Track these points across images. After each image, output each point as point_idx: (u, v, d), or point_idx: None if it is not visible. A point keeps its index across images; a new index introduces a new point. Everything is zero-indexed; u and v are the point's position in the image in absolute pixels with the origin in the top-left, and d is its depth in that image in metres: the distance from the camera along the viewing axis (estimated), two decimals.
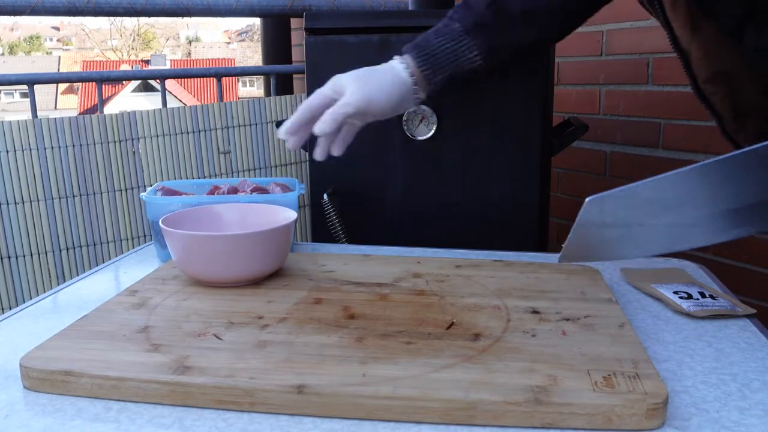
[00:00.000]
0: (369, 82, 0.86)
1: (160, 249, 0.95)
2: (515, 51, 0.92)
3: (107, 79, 1.75)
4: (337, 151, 0.89)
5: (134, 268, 0.92)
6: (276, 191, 1.02)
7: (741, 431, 0.49)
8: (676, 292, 0.76)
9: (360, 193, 1.24)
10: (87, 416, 0.52)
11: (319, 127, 0.83)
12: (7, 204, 1.41)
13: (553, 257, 0.93)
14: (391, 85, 0.87)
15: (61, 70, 20.44)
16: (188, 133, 1.61)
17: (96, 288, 0.84)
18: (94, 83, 1.70)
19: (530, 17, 0.89)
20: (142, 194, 0.96)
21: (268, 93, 2.00)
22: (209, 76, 1.86)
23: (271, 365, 0.56)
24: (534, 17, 0.90)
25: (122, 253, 1.31)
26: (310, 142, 1.26)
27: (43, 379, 0.56)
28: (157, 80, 1.82)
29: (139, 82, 20.99)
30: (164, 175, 1.58)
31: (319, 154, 0.89)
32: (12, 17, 1.56)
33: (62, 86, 24.21)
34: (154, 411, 0.53)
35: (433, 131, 1.19)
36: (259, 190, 1.01)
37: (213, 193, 1.02)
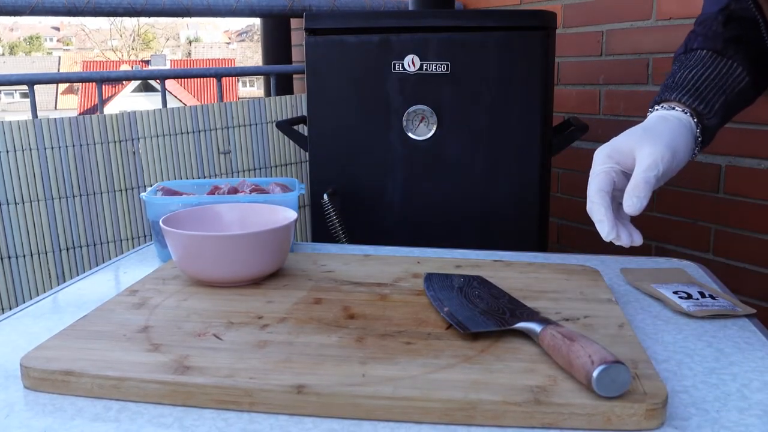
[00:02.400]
0: (657, 135, 0.69)
1: (161, 249, 0.95)
2: None
3: (107, 80, 1.75)
4: (638, 239, 0.68)
5: (134, 268, 0.92)
6: (276, 191, 1.02)
7: (740, 431, 0.49)
8: (675, 292, 0.76)
9: (360, 194, 1.24)
10: (87, 416, 0.52)
11: (637, 205, 0.65)
12: (7, 204, 1.41)
13: (553, 257, 0.93)
14: (678, 131, 0.70)
15: (61, 71, 20.44)
16: (188, 133, 1.61)
17: (96, 288, 0.85)
18: (94, 83, 1.70)
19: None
20: (143, 194, 0.96)
21: (268, 93, 2.00)
22: (209, 77, 1.86)
23: (271, 365, 0.56)
24: None
25: (122, 253, 1.31)
26: (310, 142, 1.26)
27: (43, 378, 0.56)
28: (157, 80, 1.82)
29: (139, 82, 20.99)
30: (164, 175, 1.58)
31: (626, 239, 0.68)
32: (12, 17, 1.56)
33: (62, 86, 24.20)
34: (154, 411, 0.53)
35: (433, 131, 1.19)
36: (258, 190, 1.01)
37: (213, 194, 1.02)
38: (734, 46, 0.76)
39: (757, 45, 0.77)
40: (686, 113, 0.72)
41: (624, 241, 0.67)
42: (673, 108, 0.73)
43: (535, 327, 0.61)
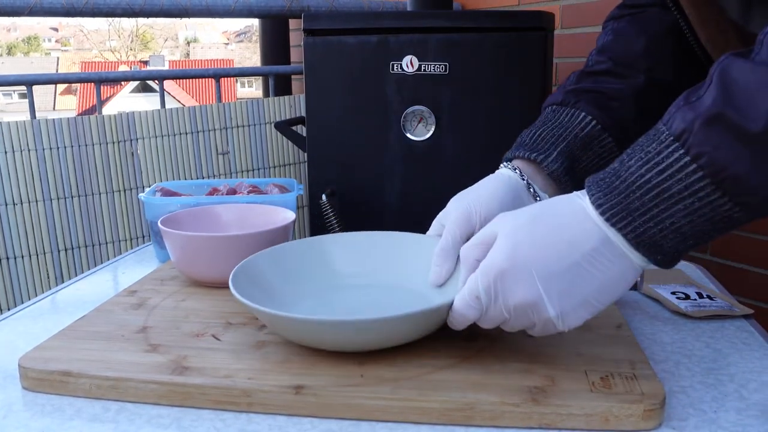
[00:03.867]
0: (466, 198, 0.68)
1: (159, 249, 0.95)
2: (632, 103, 0.74)
3: (106, 80, 1.75)
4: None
5: (133, 269, 0.92)
6: (274, 192, 1.02)
7: (738, 431, 0.49)
8: (673, 293, 0.76)
9: (358, 194, 1.24)
10: (85, 416, 0.52)
11: (436, 279, 0.65)
12: (6, 205, 1.41)
13: None
14: (489, 190, 0.68)
15: (59, 71, 20.41)
16: (187, 133, 1.61)
17: (95, 288, 0.85)
18: (92, 84, 1.70)
19: (622, 68, 0.75)
20: (141, 195, 0.96)
21: (266, 94, 2.00)
22: (208, 77, 1.86)
23: (269, 366, 0.56)
24: (626, 66, 0.75)
25: (121, 253, 1.31)
26: (309, 143, 1.26)
27: (41, 379, 0.56)
28: (156, 81, 1.82)
29: (137, 82, 20.99)
30: (163, 176, 1.58)
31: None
32: (10, 18, 1.56)
33: (61, 87, 24.17)
34: (152, 411, 0.53)
35: (431, 132, 1.19)
36: (257, 191, 1.01)
37: (212, 195, 1.02)
38: (575, 96, 0.73)
39: (610, 95, 0.74)
40: (511, 169, 0.70)
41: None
42: (508, 166, 0.71)
43: None
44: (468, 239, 0.61)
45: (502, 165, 0.73)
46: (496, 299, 0.52)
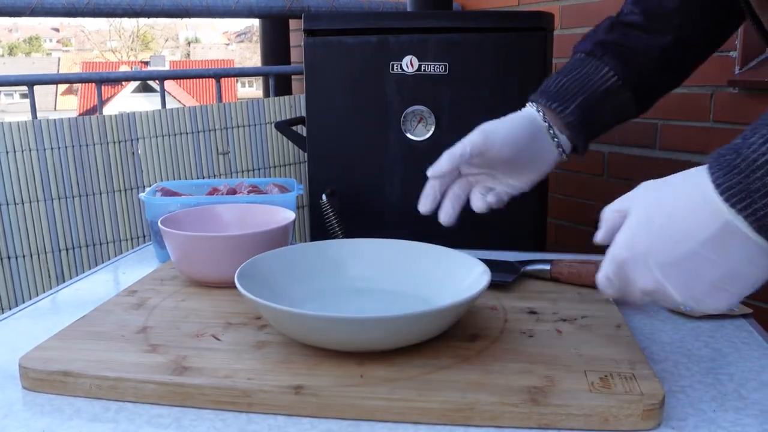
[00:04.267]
0: (490, 123, 0.73)
1: (159, 249, 0.95)
2: (656, 60, 0.76)
3: (106, 80, 1.75)
4: (444, 218, 0.74)
5: (133, 269, 0.92)
6: (274, 192, 1.02)
7: (737, 431, 0.49)
8: None
9: (358, 194, 1.24)
10: (85, 416, 0.52)
11: (431, 170, 0.72)
12: (7, 204, 1.41)
13: (551, 257, 0.93)
14: (517, 123, 0.74)
15: (60, 71, 20.41)
16: (187, 133, 1.61)
17: (95, 288, 0.85)
18: (93, 84, 1.70)
19: (653, 22, 0.76)
20: (141, 195, 0.96)
21: (266, 94, 2.01)
22: (208, 77, 1.86)
23: (269, 366, 0.56)
24: (658, 21, 0.76)
25: (121, 253, 1.31)
26: (309, 143, 1.26)
27: (41, 379, 0.56)
28: (157, 81, 1.83)
29: (138, 83, 20.98)
30: (163, 176, 1.58)
31: (443, 217, 0.74)
32: (11, 18, 1.57)
33: (62, 87, 24.17)
34: (152, 411, 0.53)
35: (431, 132, 1.19)
36: (257, 191, 1.01)
37: (212, 195, 1.02)
38: (603, 48, 0.76)
39: (636, 50, 0.76)
40: (536, 109, 0.75)
41: (440, 217, 0.73)
42: (532, 105, 0.76)
43: (544, 266, 0.77)
44: (478, 155, 0.71)
45: (528, 104, 0.77)
46: (627, 284, 0.54)
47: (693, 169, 0.51)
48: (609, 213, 0.56)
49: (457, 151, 0.70)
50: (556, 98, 0.74)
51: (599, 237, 0.57)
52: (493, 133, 0.71)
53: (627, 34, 0.77)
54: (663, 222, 0.51)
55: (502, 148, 0.71)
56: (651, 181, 0.55)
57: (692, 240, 0.49)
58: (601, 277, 0.56)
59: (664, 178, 0.53)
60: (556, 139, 0.74)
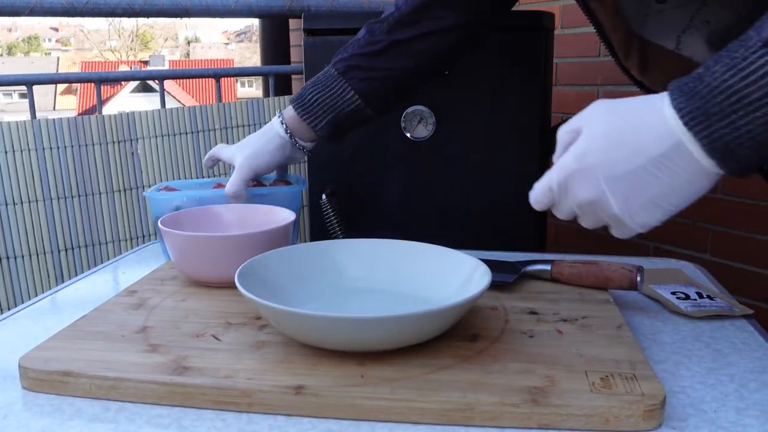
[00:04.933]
0: (250, 152, 0.93)
1: (165, 247, 0.94)
2: (396, 85, 0.93)
3: (106, 80, 1.75)
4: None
5: (133, 269, 0.92)
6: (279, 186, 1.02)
7: (738, 431, 0.49)
8: (673, 293, 0.76)
9: (358, 194, 1.24)
10: (85, 416, 0.52)
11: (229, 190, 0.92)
12: (6, 204, 1.41)
13: (551, 257, 0.93)
14: (266, 141, 0.94)
15: (59, 71, 20.41)
16: (187, 133, 1.61)
17: (95, 288, 0.85)
18: (92, 84, 1.70)
19: (396, 50, 0.90)
20: (146, 191, 0.96)
21: (266, 93, 2.00)
22: (208, 77, 1.86)
23: (269, 366, 0.56)
24: (400, 48, 0.90)
25: (121, 253, 1.31)
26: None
27: (41, 379, 0.56)
28: (156, 81, 1.82)
29: (137, 82, 20.98)
30: (163, 176, 1.58)
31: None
32: (10, 18, 1.56)
33: (61, 87, 24.17)
34: (152, 411, 0.53)
35: (431, 132, 1.19)
36: (260, 184, 1.00)
37: (218, 189, 1.00)
38: (352, 70, 0.91)
39: (378, 76, 0.91)
40: (280, 121, 0.94)
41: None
42: (281, 117, 0.94)
43: (545, 266, 0.78)
44: (253, 179, 0.96)
45: (276, 115, 0.95)
46: (566, 195, 0.57)
47: (654, 95, 0.53)
48: (563, 134, 0.59)
49: (236, 186, 0.92)
50: (309, 113, 0.92)
51: (556, 157, 0.59)
52: (256, 161, 0.93)
53: (373, 57, 0.91)
54: (618, 137, 0.53)
55: (269, 167, 0.95)
56: (607, 101, 0.56)
57: (644, 156, 0.52)
58: (543, 185, 0.58)
59: (621, 99, 0.56)
60: (298, 145, 0.95)
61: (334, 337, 0.57)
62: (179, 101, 19.34)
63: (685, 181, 0.51)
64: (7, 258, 1.43)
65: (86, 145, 1.48)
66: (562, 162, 0.56)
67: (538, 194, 0.59)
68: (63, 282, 1.03)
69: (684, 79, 0.52)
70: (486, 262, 0.67)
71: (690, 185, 0.52)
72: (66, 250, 1.49)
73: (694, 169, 0.51)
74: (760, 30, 0.48)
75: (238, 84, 25.66)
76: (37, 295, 0.94)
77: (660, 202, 0.53)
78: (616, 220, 0.55)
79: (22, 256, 1.44)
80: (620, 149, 0.53)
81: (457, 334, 0.62)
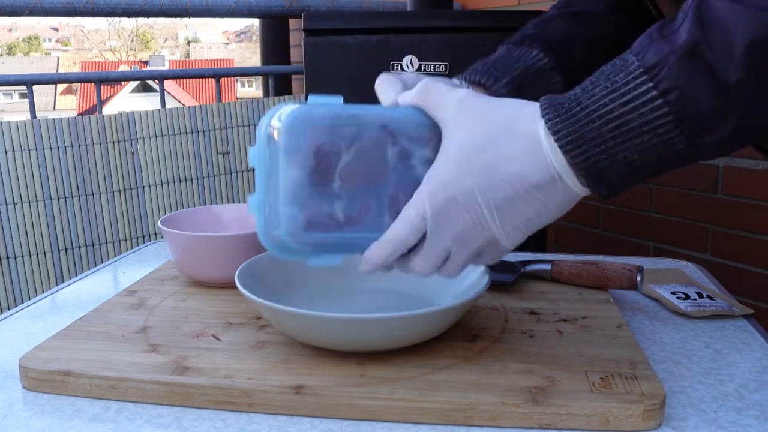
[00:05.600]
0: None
1: None
2: (583, 51, 0.77)
3: (106, 80, 1.75)
4: None
5: (133, 269, 0.92)
6: None
7: (738, 431, 0.49)
8: (673, 293, 0.76)
9: None
10: (86, 416, 0.52)
11: None
12: (6, 204, 1.41)
13: (551, 257, 0.93)
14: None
15: (59, 71, 20.42)
16: (187, 133, 1.61)
17: (95, 288, 0.85)
18: (92, 84, 1.70)
19: (581, 17, 0.79)
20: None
21: (266, 93, 2.01)
22: (208, 77, 1.86)
23: (269, 366, 0.56)
24: (585, 17, 0.79)
25: (121, 253, 1.31)
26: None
27: (41, 379, 0.56)
28: (156, 81, 1.83)
29: (137, 82, 20.99)
30: (163, 176, 1.58)
31: None
32: (11, 18, 1.56)
33: (61, 87, 24.18)
34: (152, 411, 0.53)
35: None
36: None
37: None
38: (530, 38, 0.76)
39: (563, 41, 0.76)
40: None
41: None
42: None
43: (545, 266, 0.78)
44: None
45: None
46: (442, 226, 0.51)
47: (523, 106, 0.52)
48: (416, 98, 0.55)
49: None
50: (485, 74, 0.71)
51: (405, 98, 0.55)
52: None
53: (552, 28, 0.78)
54: (493, 160, 0.50)
55: None
56: (472, 99, 0.53)
57: (522, 182, 0.50)
58: (409, 217, 0.51)
59: (487, 103, 0.53)
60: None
61: (334, 337, 0.57)
62: (179, 101, 19.35)
63: (558, 203, 0.51)
64: (7, 258, 1.43)
65: (86, 145, 1.48)
66: (439, 183, 0.51)
67: (400, 231, 0.52)
68: (63, 282, 1.03)
69: (558, 98, 0.50)
70: None
71: (562, 206, 0.51)
72: (66, 250, 1.49)
73: (568, 193, 0.50)
74: (641, 55, 0.47)
75: (238, 84, 25.67)
76: (37, 295, 0.94)
77: (535, 221, 0.51)
78: (493, 244, 0.52)
79: (22, 256, 1.44)
80: (497, 174, 0.50)
81: (457, 334, 0.62)
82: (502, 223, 0.51)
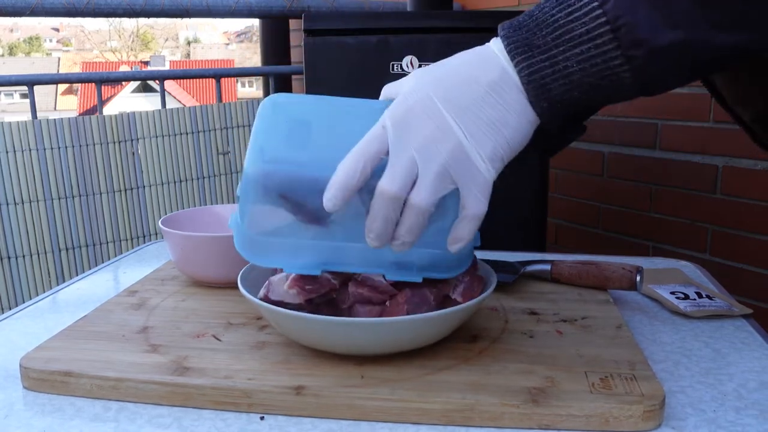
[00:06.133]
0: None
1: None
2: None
3: (106, 80, 1.75)
4: None
5: (133, 269, 0.93)
6: None
7: (737, 431, 0.50)
8: (673, 293, 0.76)
9: None
10: (86, 416, 0.52)
11: None
12: (7, 204, 1.41)
13: (551, 258, 0.93)
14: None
15: (60, 71, 20.42)
16: (187, 133, 1.61)
17: (95, 288, 0.85)
18: (93, 84, 1.70)
19: None
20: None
21: (267, 94, 2.01)
22: (208, 77, 1.86)
23: (270, 366, 0.56)
24: None
25: (121, 253, 1.31)
26: None
27: (42, 379, 0.56)
28: (157, 81, 1.83)
29: (138, 83, 21.00)
30: (163, 176, 1.58)
31: None
32: (12, 18, 1.57)
33: (62, 87, 24.19)
34: (153, 411, 0.53)
35: None
36: None
37: None
38: None
39: None
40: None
41: None
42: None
43: (544, 266, 0.78)
44: None
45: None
46: (405, 135, 0.51)
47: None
48: (388, 88, 0.56)
49: None
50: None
51: (384, 94, 0.56)
52: None
53: None
54: (450, 69, 0.53)
55: None
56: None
57: (478, 83, 0.51)
58: (372, 131, 0.52)
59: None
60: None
61: (333, 340, 0.57)
62: (180, 101, 19.35)
63: (516, 113, 0.51)
64: (8, 258, 1.43)
65: (87, 145, 1.49)
66: (397, 101, 0.52)
67: (363, 143, 0.52)
68: (64, 282, 1.03)
69: (517, 17, 0.53)
70: (486, 262, 0.67)
71: (520, 119, 0.51)
72: (66, 250, 1.49)
73: (519, 101, 0.51)
74: None
75: (239, 84, 25.67)
76: (37, 295, 0.94)
77: (499, 126, 0.51)
78: (462, 157, 0.51)
79: (23, 256, 1.44)
80: (454, 78, 0.52)
81: (457, 335, 0.62)
82: (465, 125, 0.51)
